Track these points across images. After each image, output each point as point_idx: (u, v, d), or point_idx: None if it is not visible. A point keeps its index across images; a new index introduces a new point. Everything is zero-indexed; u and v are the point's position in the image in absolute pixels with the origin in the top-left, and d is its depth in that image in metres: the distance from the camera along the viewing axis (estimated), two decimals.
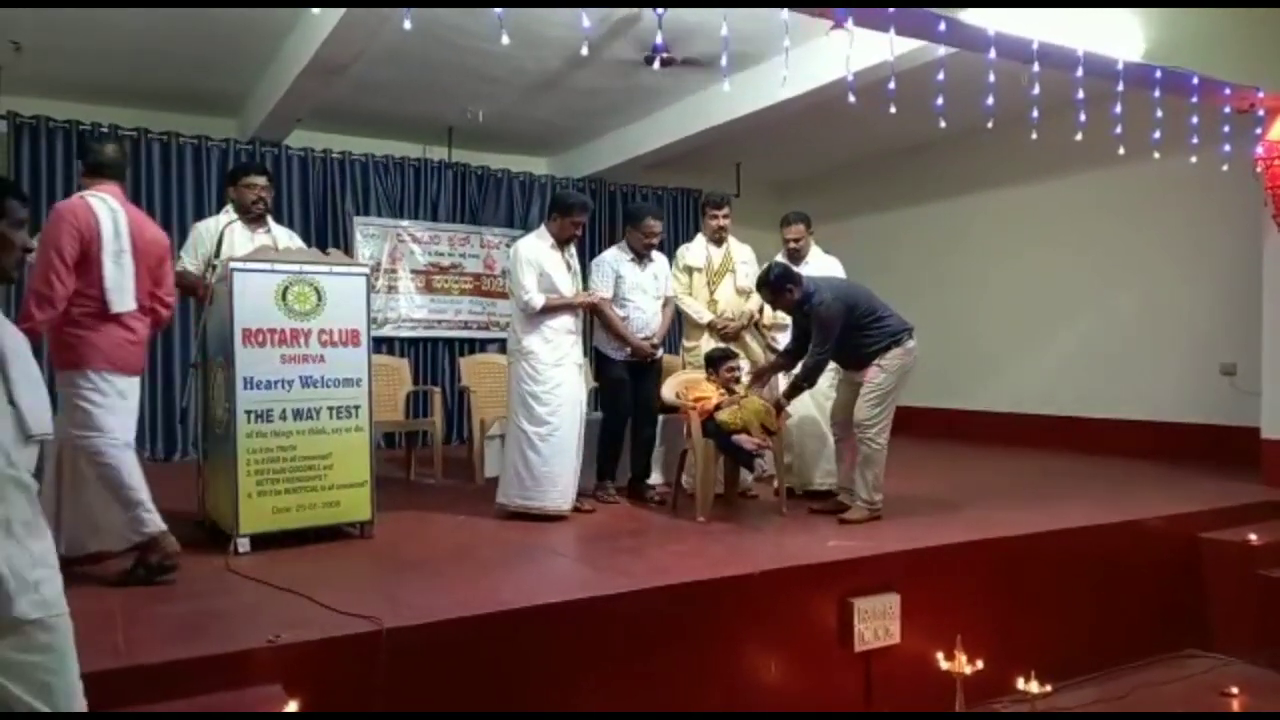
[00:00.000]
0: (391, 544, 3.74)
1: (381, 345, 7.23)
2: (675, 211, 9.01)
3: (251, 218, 4.15)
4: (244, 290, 3.53)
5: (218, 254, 3.92)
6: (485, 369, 6.20)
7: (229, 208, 4.21)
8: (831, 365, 4.50)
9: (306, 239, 6.47)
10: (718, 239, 5.15)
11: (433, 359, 7.84)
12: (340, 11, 4.43)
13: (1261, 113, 5.09)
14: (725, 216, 5.13)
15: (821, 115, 6.35)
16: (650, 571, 3.28)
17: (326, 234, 7.34)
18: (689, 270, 5.10)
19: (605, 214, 8.55)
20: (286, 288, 3.61)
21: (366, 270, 3.95)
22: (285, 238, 4.26)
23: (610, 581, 3.14)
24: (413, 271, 7.72)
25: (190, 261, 4.10)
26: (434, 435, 5.76)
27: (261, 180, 4.19)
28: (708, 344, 4.97)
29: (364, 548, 3.72)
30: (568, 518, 4.28)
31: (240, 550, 3.48)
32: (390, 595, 2.93)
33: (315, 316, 3.66)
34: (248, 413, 3.52)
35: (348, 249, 7.24)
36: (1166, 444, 6.36)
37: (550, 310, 4.32)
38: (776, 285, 4.29)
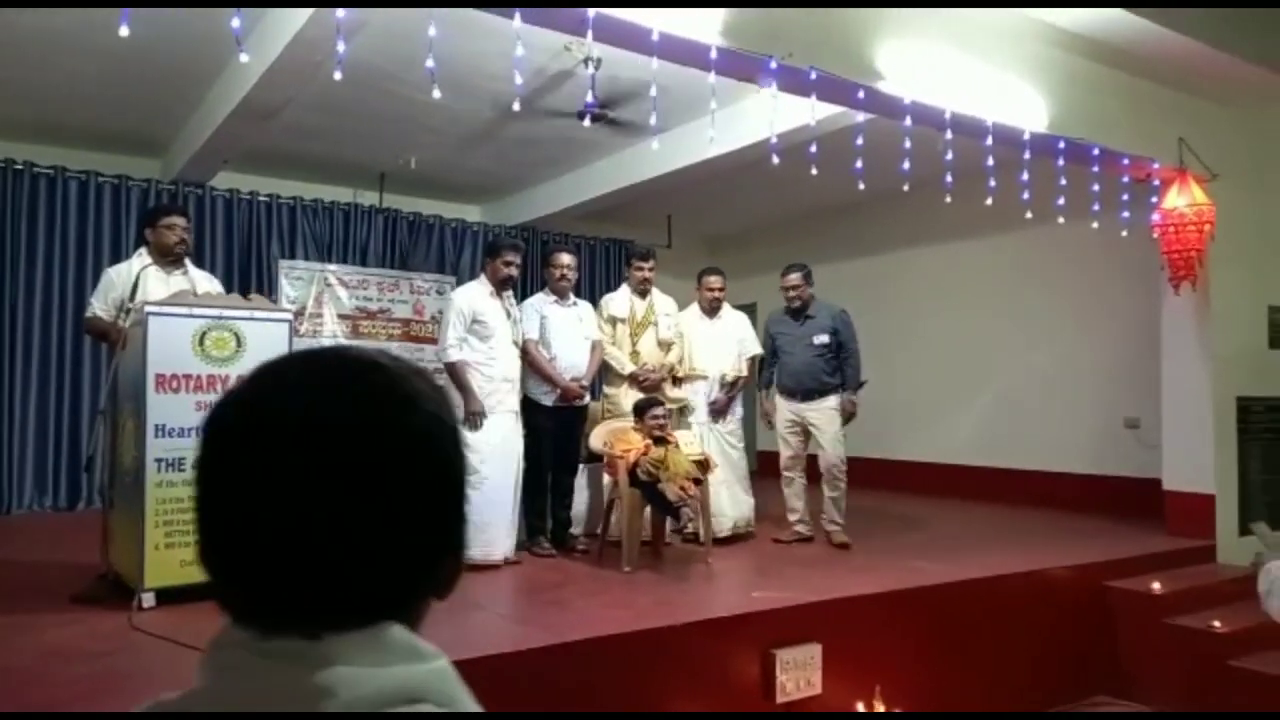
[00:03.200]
0: None
1: None
2: (607, 262, 9.10)
3: (170, 260, 4.05)
4: (159, 335, 3.43)
5: (132, 298, 3.79)
6: None
7: (142, 251, 4.09)
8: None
9: (229, 282, 6.34)
10: (642, 291, 5.24)
11: None
12: (271, 57, 4.40)
13: (1157, 183, 5.43)
14: (650, 269, 5.24)
15: (749, 173, 6.53)
16: (575, 624, 3.25)
17: (250, 277, 7.18)
18: (613, 320, 5.16)
19: (537, 262, 8.57)
20: (204, 333, 3.52)
21: (289, 316, 3.87)
22: (204, 280, 4.16)
23: (534, 636, 3.10)
24: (339, 316, 7.60)
25: (100, 307, 3.97)
26: None
27: (182, 221, 4.10)
28: (628, 394, 5.01)
29: None
30: (498, 568, 4.22)
31: (145, 605, 3.33)
32: None
33: (234, 363, 3.57)
34: (158, 461, 3.40)
35: (272, 293, 7.11)
36: (1078, 495, 6.60)
37: (460, 367, 4.39)
38: (808, 276, 5.27)
